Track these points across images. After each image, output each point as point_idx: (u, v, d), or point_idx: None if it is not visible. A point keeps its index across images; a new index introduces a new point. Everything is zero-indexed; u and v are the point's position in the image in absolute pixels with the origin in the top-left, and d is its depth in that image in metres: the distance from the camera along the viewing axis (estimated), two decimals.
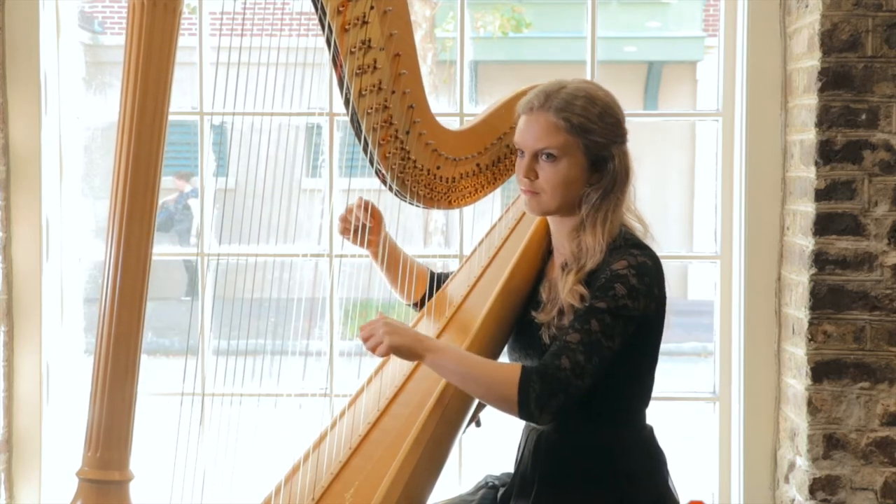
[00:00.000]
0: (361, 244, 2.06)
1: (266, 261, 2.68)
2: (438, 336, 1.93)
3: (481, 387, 1.72)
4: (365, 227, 2.03)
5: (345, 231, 2.07)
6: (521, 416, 1.72)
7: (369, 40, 1.85)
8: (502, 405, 1.71)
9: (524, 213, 2.07)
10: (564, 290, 1.77)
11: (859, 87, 2.41)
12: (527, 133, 1.81)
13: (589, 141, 1.78)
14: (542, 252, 1.97)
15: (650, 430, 1.88)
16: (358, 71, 1.86)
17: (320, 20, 1.84)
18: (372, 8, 1.84)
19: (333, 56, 1.84)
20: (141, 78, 1.51)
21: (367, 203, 2.04)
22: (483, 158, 2.04)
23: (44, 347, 2.77)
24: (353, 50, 1.84)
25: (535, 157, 1.80)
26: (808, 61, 2.49)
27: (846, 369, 2.48)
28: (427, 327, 1.97)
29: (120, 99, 1.52)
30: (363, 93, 1.87)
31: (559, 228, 1.87)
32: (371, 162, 1.94)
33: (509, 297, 1.91)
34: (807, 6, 2.50)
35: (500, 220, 2.15)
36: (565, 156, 1.78)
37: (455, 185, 2.03)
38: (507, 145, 2.04)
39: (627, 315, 1.71)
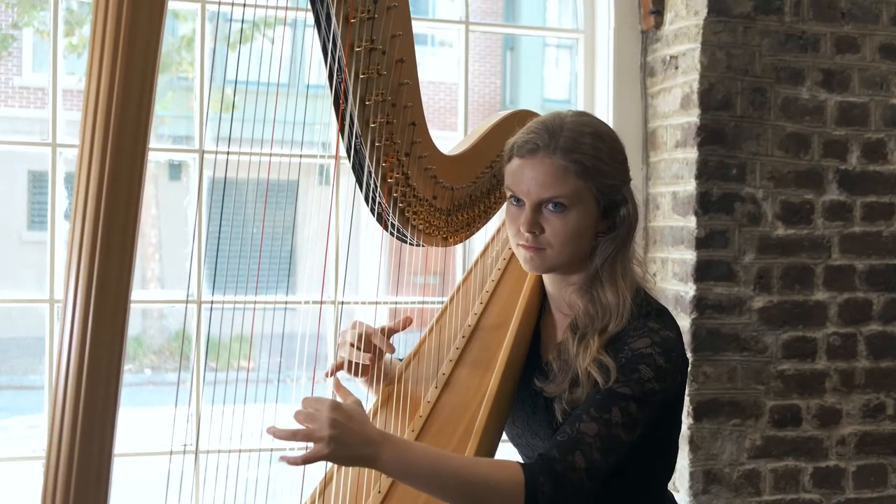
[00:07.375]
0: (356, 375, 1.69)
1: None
2: (423, 426, 1.58)
3: (469, 497, 1.37)
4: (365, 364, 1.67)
5: (340, 368, 1.66)
6: None
7: (373, 39, 1.60)
8: None
9: (511, 259, 1.83)
10: (586, 357, 1.48)
11: (730, 144, 2.62)
12: (528, 180, 1.52)
13: (602, 184, 1.52)
14: (538, 309, 1.69)
15: (670, 498, 1.66)
16: (362, 74, 1.64)
17: (317, 18, 1.61)
18: (376, 1, 1.59)
19: (338, 59, 1.61)
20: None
21: (387, 330, 1.66)
22: (475, 189, 1.81)
23: None
24: (356, 47, 1.62)
25: (538, 207, 1.52)
26: (680, 118, 2.66)
27: (722, 407, 2.62)
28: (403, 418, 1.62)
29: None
30: (367, 101, 1.64)
31: (560, 285, 1.61)
32: (367, 199, 1.65)
33: (512, 374, 1.62)
34: (677, 67, 2.68)
35: (475, 265, 1.89)
36: (576, 204, 1.50)
37: (451, 219, 1.78)
38: (494, 175, 1.83)
39: (654, 401, 1.46)
